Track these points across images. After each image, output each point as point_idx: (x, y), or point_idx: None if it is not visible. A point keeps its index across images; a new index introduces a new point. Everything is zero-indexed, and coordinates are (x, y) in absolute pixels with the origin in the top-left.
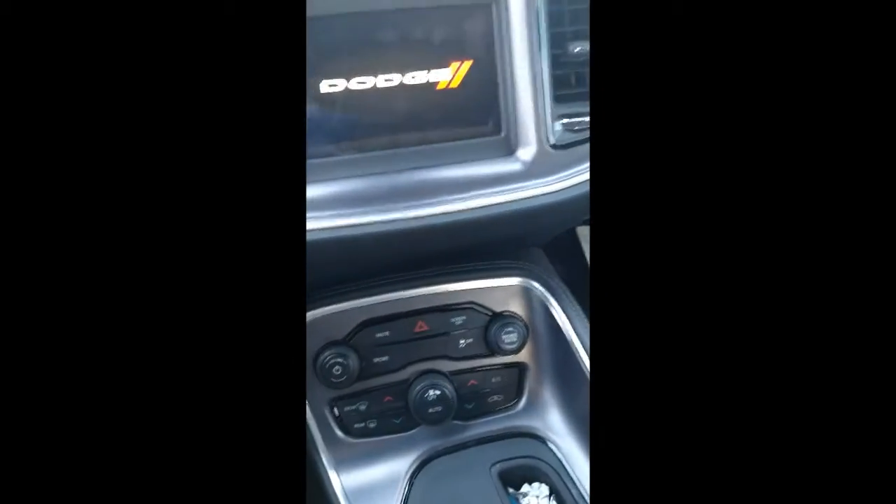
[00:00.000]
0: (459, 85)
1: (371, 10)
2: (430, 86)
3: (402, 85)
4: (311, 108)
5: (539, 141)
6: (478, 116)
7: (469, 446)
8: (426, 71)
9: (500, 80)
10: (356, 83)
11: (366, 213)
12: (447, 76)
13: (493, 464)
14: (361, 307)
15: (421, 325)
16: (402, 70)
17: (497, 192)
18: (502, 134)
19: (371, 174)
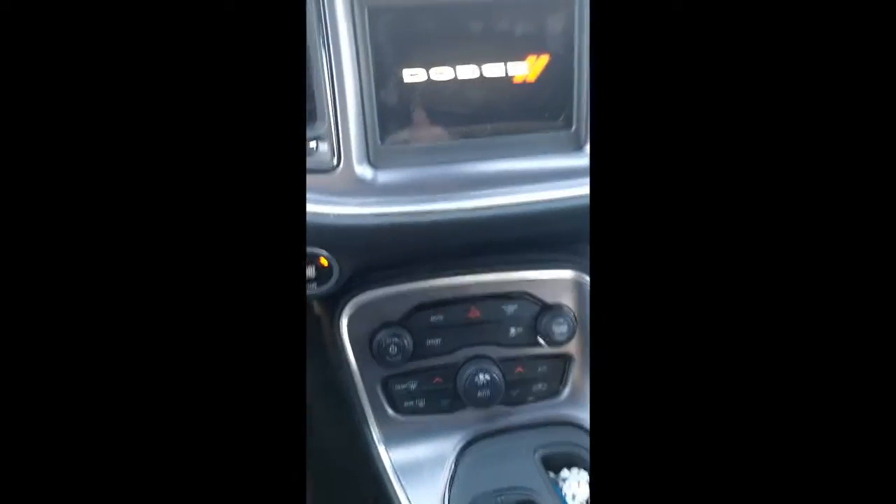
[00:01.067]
0: (535, 79)
1: (458, 2)
2: (506, 79)
3: (480, 77)
4: (391, 97)
5: None
6: (550, 110)
7: (513, 431)
8: (504, 63)
9: (575, 75)
10: (436, 73)
11: (436, 201)
12: (524, 70)
13: (537, 448)
14: (418, 290)
15: (474, 312)
16: (481, 62)
17: (564, 186)
18: (573, 129)
19: (444, 163)
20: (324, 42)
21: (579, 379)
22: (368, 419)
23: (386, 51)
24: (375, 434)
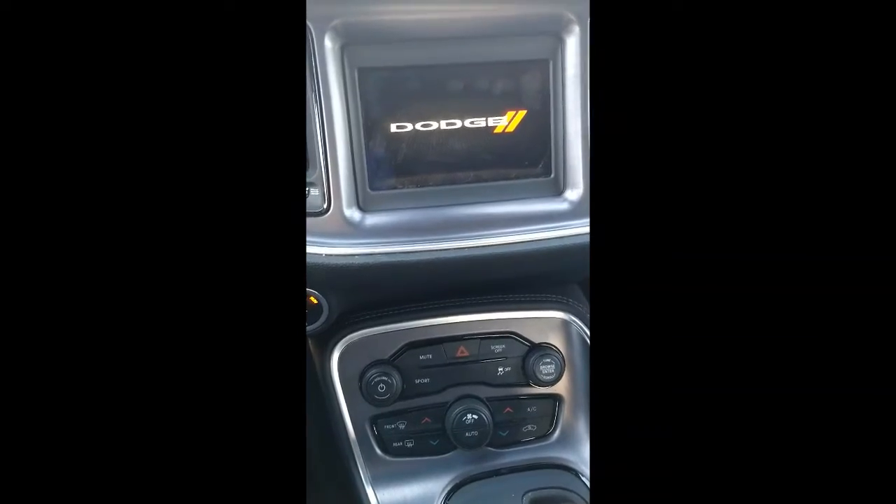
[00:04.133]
0: (514, 130)
1: (441, 63)
2: (487, 129)
3: (462, 128)
4: (379, 146)
5: (586, 184)
6: (530, 159)
7: (502, 473)
8: (484, 118)
9: (552, 127)
10: (421, 126)
11: (421, 242)
12: (503, 122)
13: (526, 492)
14: (407, 329)
15: (462, 351)
16: (463, 117)
17: (544, 229)
18: (552, 176)
19: (429, 207)
20: (317, 98)
21: (570, 420)
22: (357, 459)
23: (374, 106)
24: (363, 474)
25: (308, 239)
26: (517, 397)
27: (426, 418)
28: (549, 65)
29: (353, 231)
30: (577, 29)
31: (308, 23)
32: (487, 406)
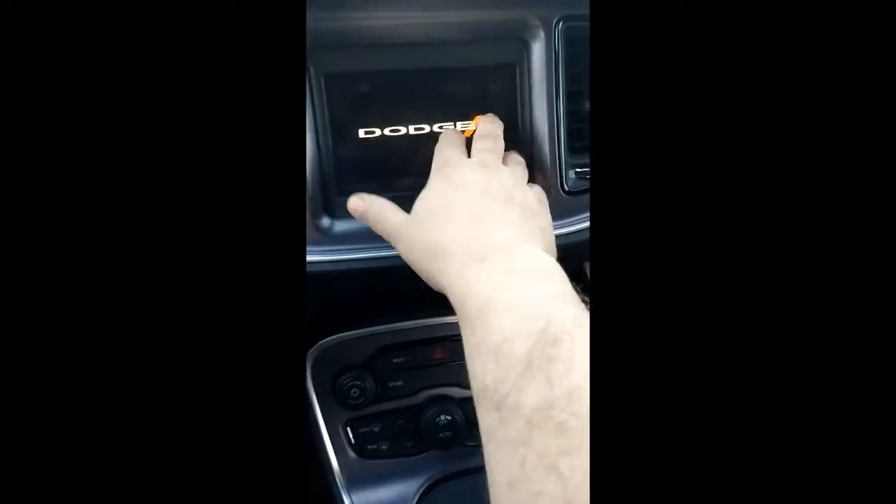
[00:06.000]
0: None
1: (408, 68)
2: None
3: (431, 133)
4: (347, 152)
5: (555, 187)
6: None
7: (476, 472)
8: (453, 123)
9: (519, 131)
10: (390, 131)
11: (388, 248)
12: (472, 127)
13: None
14: (381, 333)
15: (437, 353)
16: (432, 121)
17: None
18: None
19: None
20: None
21: None
22: (332, 463)
23: (342, 112)
24: (338, 478)
25: None
26: None
27: (400, 420)
28: (515, 69)
29: (323, 237)
30: (541, 34)
31: None
32: (461, 407)
